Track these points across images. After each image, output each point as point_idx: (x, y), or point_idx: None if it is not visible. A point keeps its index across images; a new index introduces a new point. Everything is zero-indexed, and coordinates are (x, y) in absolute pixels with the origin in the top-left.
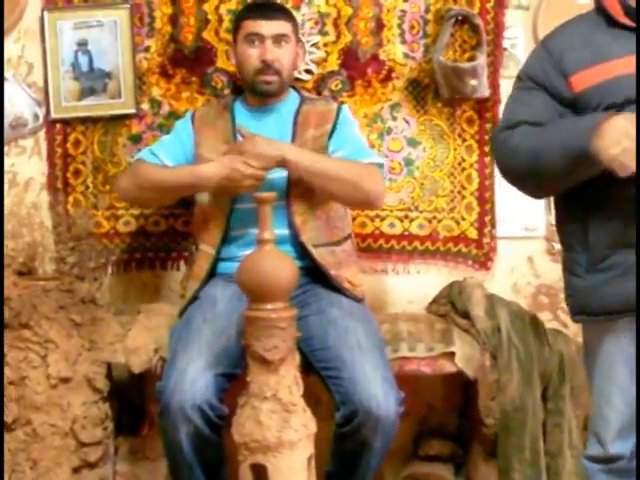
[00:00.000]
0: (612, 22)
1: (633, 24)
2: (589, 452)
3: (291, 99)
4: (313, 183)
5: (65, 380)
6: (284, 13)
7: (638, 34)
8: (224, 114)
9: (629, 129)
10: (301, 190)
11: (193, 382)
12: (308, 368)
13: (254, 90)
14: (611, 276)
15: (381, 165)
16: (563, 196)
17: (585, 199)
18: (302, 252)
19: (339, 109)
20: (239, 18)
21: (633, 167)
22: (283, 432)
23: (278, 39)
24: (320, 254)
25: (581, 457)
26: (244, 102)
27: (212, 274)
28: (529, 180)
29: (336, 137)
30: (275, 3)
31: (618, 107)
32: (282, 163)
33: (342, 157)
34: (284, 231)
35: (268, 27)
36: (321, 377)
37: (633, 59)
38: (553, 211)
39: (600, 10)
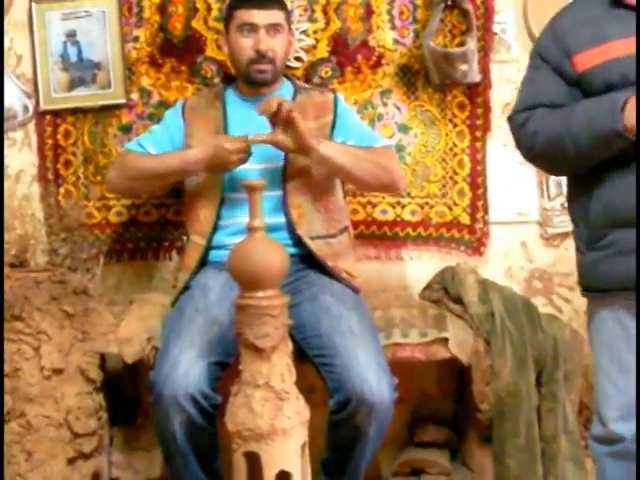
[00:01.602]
0: (616, 2)
1: (634, 2)
2: (593, 431)
3: (285, 89)
4: (341, 171)
5: (58, 371)
6: (277, 2)
7: (638, 14)
8: (215, 103)
9: None
10: (298, 182)
11: (186, 371)
12: (301, 355)
13: (248, 79)
14: (608, 254)
15: (393, 146)
16: (572, 174)
17: (588, 177)
18: (298, 240)
19: (336, 99)
20: (231, 7)
21: None
22: (276, 420)
23: (271, 28)
24: (317, 246)
25: (588, 438)
26: (236, 91)
27: (203, 264)
28: (551, 162)
29: (340, 128)
30: None
31: (618, 89)
32: (307, 151)
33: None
34: (280, 219)
35: (261, 16)
36: (314, 364)
37: (634, 41)
38: (546, 195)
39: None
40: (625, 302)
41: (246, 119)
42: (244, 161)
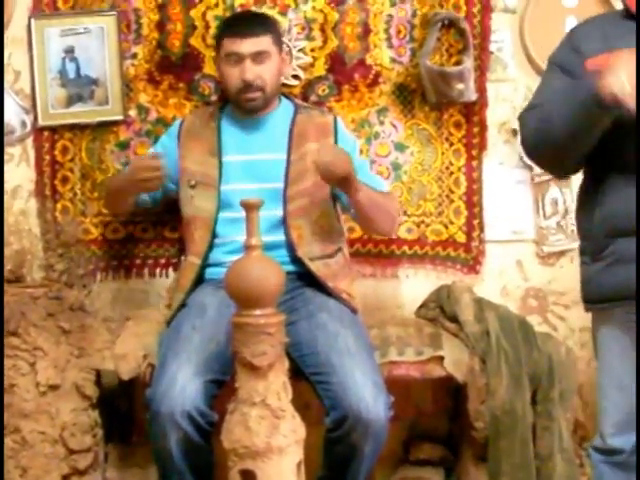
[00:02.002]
0: (628, 14)
1: None
2: (593, 442)
3: (283, 108)
4: (365, 211)
5: (54, 387)
6: (263, 27)
7: (638, 27)
8: (210, 123)
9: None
10: (298, 204)
11: (183, 389)
12: (297, 373)
13: (239, 106)
14: (607, 264)
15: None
16: (580, 187)
17: (591, 189)
18: (295, 259)
19: (336, 122)
20: (219, 36)
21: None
22: (272, 438)
23: (257, 56)
24: (316, 266)
25: (589, 447)
26: (232, 112)
27: (198, 283)
28: (549, 153)
29: None
30: (254, 16)
31: None
32: (344, 180)
33: None
34: (279, 238)
35: (246, 46)
36: (310, 382)
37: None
38: (542, 214)
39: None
40: (622, 316)
41: (240, 141)
42: (159, 180)
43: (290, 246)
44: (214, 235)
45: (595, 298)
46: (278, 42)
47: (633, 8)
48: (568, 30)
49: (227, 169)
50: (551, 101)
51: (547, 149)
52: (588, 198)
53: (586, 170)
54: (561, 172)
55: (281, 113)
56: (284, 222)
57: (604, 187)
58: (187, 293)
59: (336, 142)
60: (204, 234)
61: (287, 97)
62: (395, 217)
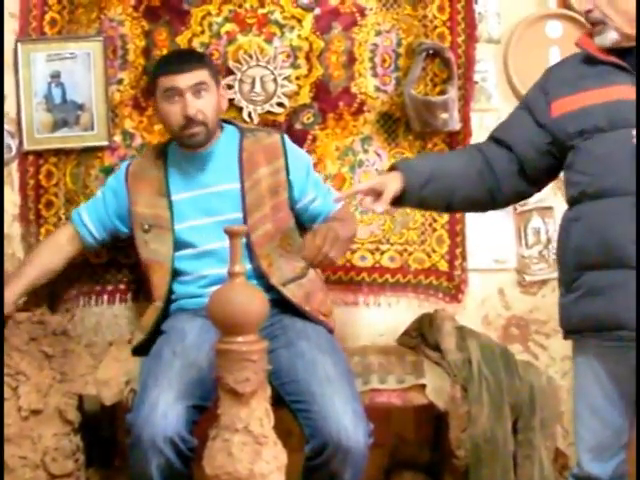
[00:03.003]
0: (595, 60)
1: (618, 61)
2: (573, 470)
3: (228, 135)
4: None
5: (36, 412)
6: (198, 61)
7: (638, 64)
8: (157, 163)
9: None
10: (260, 232)
11: (164, 414)
12: (278, 400)
13: (182, 144)
14: (578, 295)
15: None
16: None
17: (565, 220)
18: (267, 286)
19: (283, 140)
20: (154, 76)
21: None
22: (254, 464)
23: (196, 89)
24: (291, 292)
25: (569, 477)
26: (176, 149)
27: (160, 323)
28: None
29: (296, 178)
30: (187, 52)
31: (587, 134)
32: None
33: (320, 205)
34: (248, 267)
35: (184, 80)
36: (291, 410)
37: (608, 90)
38: (524, 243)
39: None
40: (595, 345)
41: (188, 177)
42: None
43: (260, 275)
44: (175, 275)
45: (567, 328)
46: (215, 76)
47: (601, 56)
48: (547, 67)
49: (178, 208)
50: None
51: None
52: (563, 228)
53: (566, 200)
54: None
55: (225, 141)
56: (250, 252)
57: (573, 219)
58: (148, 334)
59: (287, 162)
60: (164, 277)
61: (229, 122)
62: (353, 239)
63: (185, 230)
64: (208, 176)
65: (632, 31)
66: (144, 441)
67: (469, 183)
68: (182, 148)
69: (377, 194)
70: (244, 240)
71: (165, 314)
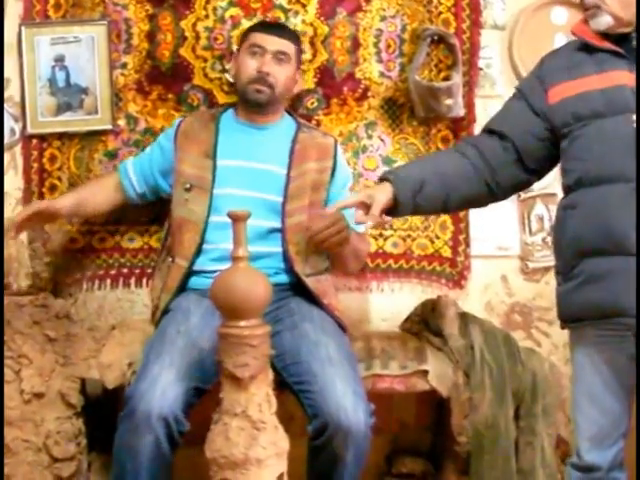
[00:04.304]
0: (593, 48)
1: (613, 47)
2: (571, 459)
3: (286, 123)
4: (343, 258)
5: (39, 395)
6: (292, 35)
7: (638, 45)
8: (209, 126)
9: None
10: (295, 220)
11: (163, 391)
12: (282, 385)
13: (244, 97)
14: (577, 283)
15: None
16: (557, 206)
17: (561, 208)
18: (287, 269)
19: (336, 145)
20: (249, 30)
21: None
22: (250, 449)
23: (278, 56)
24: (311, 283)
25: (567, 464)
26: (234, 115)
27: (184, 287)
28: None
29: (337, 180)
30: (285, 24)
31: (586, 119)
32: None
33: None
34: (276, 249)
35: (272, 42)
36: (294, 392)
37: (606, 76)
38: (527, 230)
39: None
40: (594, 335)
41: (238, 146)
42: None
43: (286, 259)
44: (203, 240)
45: (566, 317)
46: (299, 57)
47: (597, 42)
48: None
49: (222, 173)
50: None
51: None
52: (559, 217)
53: (562, 188)
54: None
55: (283, 127)
56: (282, 235)
57: (571, 206)
58: (174, 294)
59: (334, 166)
60: (193, 238)
61: (290, 114)
62: (364, 261)
63: (223, 196)
64: (258, 152)
65: (625, 15)
66: (138, 415)
67: (465, 181)
68: (241, 115)
69: (367, 207)
70: (279, 225)
71: (187, 279)
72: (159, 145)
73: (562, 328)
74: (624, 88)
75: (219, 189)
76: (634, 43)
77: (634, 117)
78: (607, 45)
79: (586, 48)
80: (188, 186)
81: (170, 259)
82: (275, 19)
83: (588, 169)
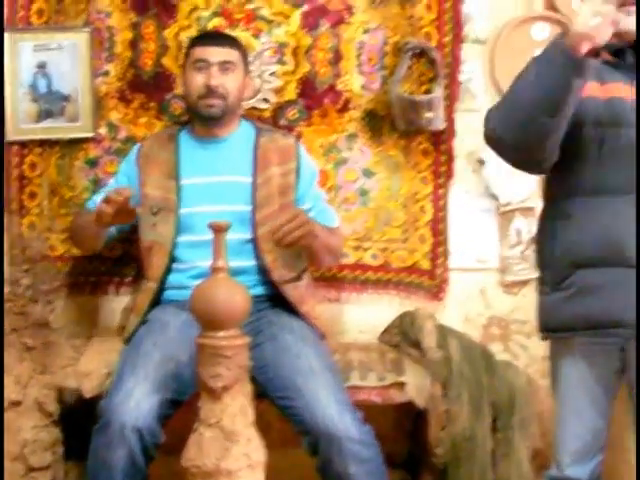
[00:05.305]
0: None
1: (611, 58)
2: (550, 472)
3: (244, 130)
4: (314, 253)
5: (16, 404)
6: (232, 42)
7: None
8: (169, 146)
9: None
10: (267, 228)
11: (138, 404)
12: (260, 395)
13: (198, 115)
14: (571, 294)
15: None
16: (541, 216)
17: (551, 217)
18: (264, 281)
19: (297, 145)
20: (189, 46)
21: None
22: (222, 460)
23: (224, 65)
24: (289, 291)
25: (545, 477)
26: (191, 132)
27: (155, 305)
28: (520, 133)
29: (303, 181)
30: (226, 33)
31: (586, 126)
32: (310, 237)
33: (307, 211)
34: (250, 263)
35: (214, 53)
36: (278, 407)
37: (607, 87)
38: (506, 243)
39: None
40: (582, 346)
41: (200, 162)
42: (133, 213)
43: (262, 270)
44: (172, 260)
45: (556, 327)
46: (244, 62)
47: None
48: None
49: (186, 192)
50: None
51: (519, 128)
52: (548, 226)
53: (546, 197)
54: (534, 159)
55: (242, 134)
56: (255, 246)
57: (564, 216)
58: (142, 316)
59: (298, 166)
60: (162, 259)
61: (247, 119)
62: (339, 255)
63: (189, 215)
64: (221, 165)
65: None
66: (112, 428)
67: None
68: (197, 132)
69: None
70: (249, 236)
71: (158, 298)
72: (123, 173)
73: (544, 339)
74: (622, 100)
75: (185, 208)
76: (629, 56)
77: (633, 131)
78: (605, 57)
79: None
80: (155, 210)
81: (145, 281)
82: (217, 28)
83: (585, 178)
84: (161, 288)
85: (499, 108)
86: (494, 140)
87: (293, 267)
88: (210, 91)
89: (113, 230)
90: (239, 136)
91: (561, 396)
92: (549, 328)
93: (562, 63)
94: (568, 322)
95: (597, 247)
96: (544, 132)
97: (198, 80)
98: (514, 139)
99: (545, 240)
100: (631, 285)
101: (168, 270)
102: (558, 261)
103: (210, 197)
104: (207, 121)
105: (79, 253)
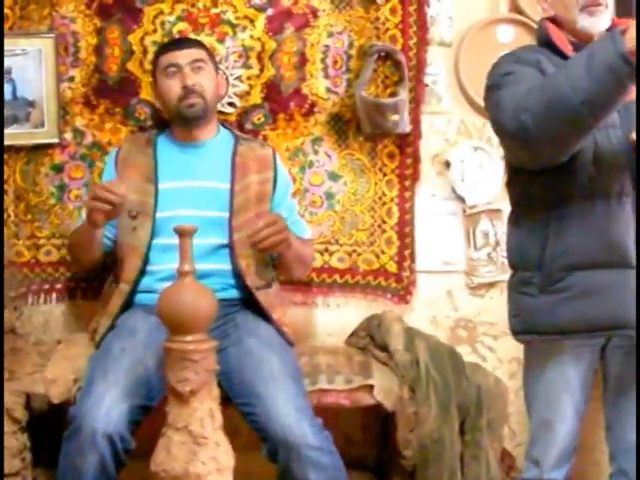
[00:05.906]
0: (563, 55)
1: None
2: (525, 475)
3: (223, 136)
4: (287, 263)
5: None
6: (197, 42)
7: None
8: (147, 150)
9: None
10: (243, 234)
11: (108, 410)
12: (228, 399)
13: (180, 117)
14: (565, 297)
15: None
16: (524, 217)
17: (545, 219)
18: (238, 285)
19: (274, 155)
20: (155, 56)
21: None
22: (190, 464)
23: (195, 64)
24: (261, 297)
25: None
26: (169, 136)
27: (126, 308)
28: (547, 122)
29: (279, 190)
30: (187, 37)
31: None
32: (285, 244)
33: None
34: (225, 267)
35: (183, 55)
36: (241, 413)
37: None
38: (472, 245)
39: (548, 44)
40: (572, 349)
41: (176, 165)
42: (112, 209)
43: (236, 274)
44: (146, 262)
45: (547, 329)
46: (212, 59)
47: (570, 54)
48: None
49: (164, 196)
50: (549, 76)
51: (560, 123)
52: (537, 229)
53: (529, 201)
54: (561, 155)
55: (221, 141)
56: (231, 250)
57: (559, 219)
58: (114, 318)
59: (275, 176)
60: (135, 262)
61: (225, 127)
62: (310, 265)
63: (166, 218)
64: (199, 170)
65: None
66: (83, 434)
67: None
68: (176, 136)
69: None
70: (226, 241)
71: (130, 300)
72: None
73: (523, 342)
74: None
75: (162, 212)
76: None
77: (634, 135)
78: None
79: (561, 55)
80: (134, 213)
81: (115, 284)
82: (180, 33)
83: (579, 182)
84: (134, 291)
85: (535, 103)
86: (523, 132)
87: (263, 275)
88: (188, 91)
89: (108, 242)
90: (218, 142)
91: (546, 403)
92: (537, 330)
93: (621, 69)
94: (563, 324)
95: (596, 249)
96: (585, 132)
97: (173, 85)
98: (551, 136)
99: (532, 243)
100: (630, 286)
101: (141, 273)
102: (550, 264)
103: (187, 201)
104: (189, 123)
105: (46, 259)
